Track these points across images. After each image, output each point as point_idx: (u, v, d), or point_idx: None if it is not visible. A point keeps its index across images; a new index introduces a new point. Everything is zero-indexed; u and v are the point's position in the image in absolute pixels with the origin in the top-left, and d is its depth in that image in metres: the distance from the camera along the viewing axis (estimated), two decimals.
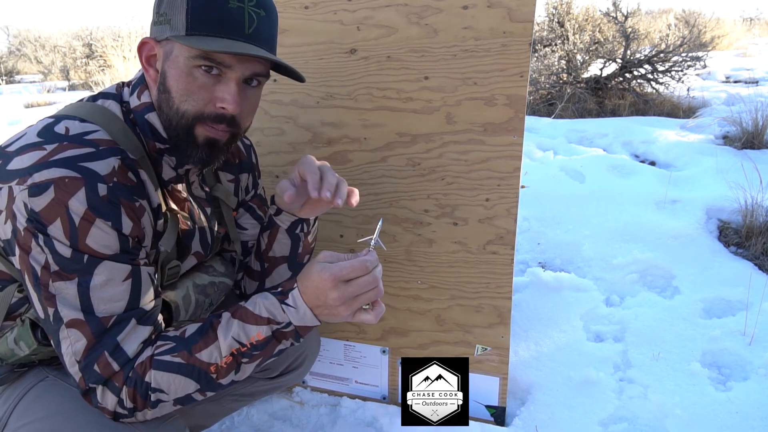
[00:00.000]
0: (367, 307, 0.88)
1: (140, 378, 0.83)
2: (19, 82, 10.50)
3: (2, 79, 9.91)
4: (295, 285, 0.89)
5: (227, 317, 0.88)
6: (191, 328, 0.88)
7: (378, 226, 0.95)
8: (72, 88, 8.77)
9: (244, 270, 1.24)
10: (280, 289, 0.91)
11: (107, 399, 0.84)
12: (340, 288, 0.84)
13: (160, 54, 0.91)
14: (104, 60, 7.66)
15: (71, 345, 0.82)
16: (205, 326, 0.88)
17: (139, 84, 0.95)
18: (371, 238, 0.92)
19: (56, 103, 7.05)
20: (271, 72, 0.98)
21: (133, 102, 0.95)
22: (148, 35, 0.94)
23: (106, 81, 6.89)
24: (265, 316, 0.87)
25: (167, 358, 0.85)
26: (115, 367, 0.83)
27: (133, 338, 0.85)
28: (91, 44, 9.63)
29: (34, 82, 10.11)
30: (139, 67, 0.97)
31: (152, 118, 0.94)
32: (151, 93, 0.94)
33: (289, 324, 0.88)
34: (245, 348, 0.87)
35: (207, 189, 1.12)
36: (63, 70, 9.91)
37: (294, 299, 0.88)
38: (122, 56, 6.93)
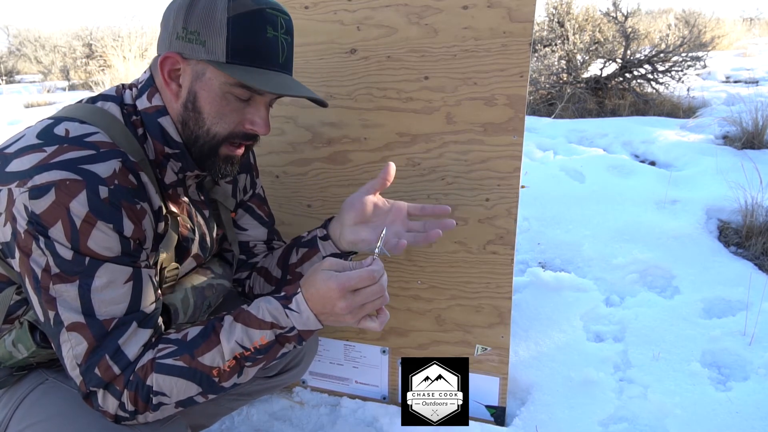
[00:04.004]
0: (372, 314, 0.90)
1: (141, 381, 0.83)
2: (19, 82, 10.50)
3: (2, 79, 9.91)
4: (299, 290, 0.89)
5: (230, 321, 0.88)
6: (193, 332, 0.88)
7: (382, 235, 0.95)
8: (72, 88, 8.77)
9: (261, 272, 1.23)
10: (283, 293, 0.91)
11: (108, 402, 0.84)
12: (347, 297, 0.85)
13: (187, 71, 0.91)
14: (104, 60, 7.66)
15: (72, 348, 0.82)
16: (207, 329, 0.88)
17: (148, 87, 0.95)
18: (375, 246, 0.93)
19: (56, 103, 7.05)
20: None
21: (142, 104, 0.94)
22: (168, 47, 0.91)
23: (106, 81, 6.88)
24: (269, 320, 0.87)
25: (169, 361, 0.85)
26: (116, 370, 0.83)
27: (134, 341, 0.84)
28: (91, 44, 9.63)
29: (34, 82, 10.11)
30: (141, 68, 0.97)
31: (165, 122, 0.94)
32: (166, 101, 0.94)
33: (293, 328, 0.88)
34: (249, 352, 0.87)
35: (204, 193, 1.12)
36: (63, 70, 9.91)
37: (297, 304, 0.88)
38: (122, 56, 6.93)
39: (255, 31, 0.88)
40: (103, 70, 7.82)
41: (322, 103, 1.01)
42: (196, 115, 0.92)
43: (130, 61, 6.83)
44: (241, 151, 0.98)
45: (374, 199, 1.08)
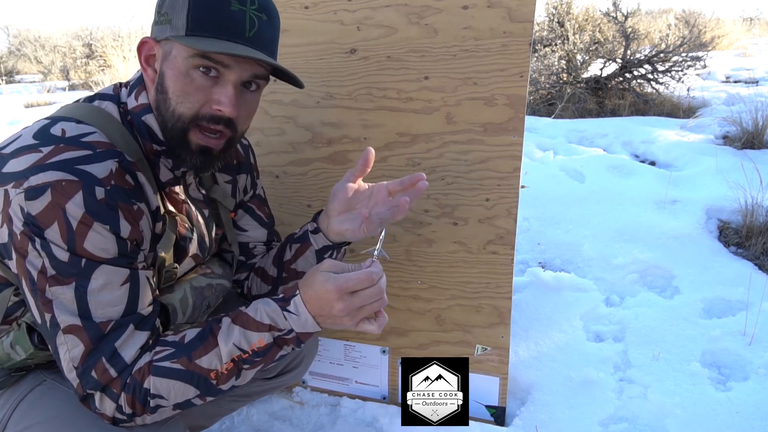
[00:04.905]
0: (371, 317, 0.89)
1: (138, 384, 0.83)
2: (19, 82, 10.50)
3: (2, 79, 9.90)
4: (297, 292, 0.89)
5: (228, 323, 0.88)
6: (190, 334, 0.88)
7: (381, 237, 0.94)
8: (72, 88, 8.77)
9: (258, 272, 1.23)
10: (281, 295, 0.90)
11: (105, 405, 0.83)
12: (345, 299, 0.84)
13: (159, 54, 0.91)
14: (104, 60, 7.67)
15: (68, 351, 0.82)
16: (205, 332, 0.87)
17: (137, 85, 0.95)
18: (374, 249, 0.92)
19: (56, 103, 7.04)
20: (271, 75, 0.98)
21: (131, 103, 0.94)
22: (149, 35, 0.93)
23: (106, 81, 6.89)
24: (267, 322, 0.87)
25: (166, 364, 0.84)
26: (113, 373, 0.82)
27: (131, 344, 0.84)
28: (91, 44, 9.63)
29: (34, 82, 10.11)
30: (139, 67, 0.96)
31: (149, 119, 0.93)
32: (149, 94, 0.94)
33: (291, 331, 0.88)
34: (246, 354, 0.87)
35: (203, 191, 1.11)
36: (63, 70, 9.91)
37: (296, 306, 0.87)
38: (122, 56, 6.94)
39: (217, 2, 0.86)
40: (103, 70, 7.82)
41: (294, 80, 0.97)
42: (164, 96, 0.90)
43: (130, 61, 6.84)
44: (216, 142, 0.93)
45: (355, 186, 1.07)
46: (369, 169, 1.06)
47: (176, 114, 0.89)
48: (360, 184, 1.08)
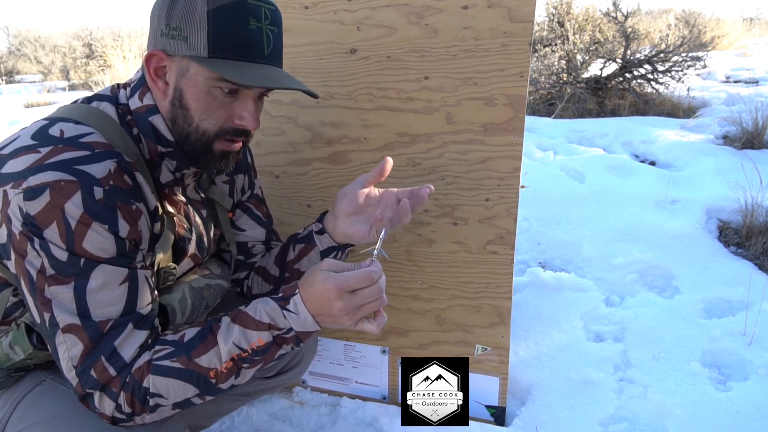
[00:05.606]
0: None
1: (138, 383, 0.83)
2: (19, 82, 10.50)
3: (2, 79, 9.91)
4: (297, 291, 0.89)
5: (227, 322, 0.88)
6: (190, 333, 0.88)
7: (381, 237, 0.94)
8: (72, 88, 8.77)
9: (258, 271, 1.23)
10: (281, 294, 0.90)
11: (105, 404, 0.83)
12: (345, 298, 0.85)
13: (172, 68, 0.90)
14: (104, 60, 7.67)
15: (68, 350, 0.82)
16: (205, 331, 0.87)
17: (140, 86, 0.94)
18: (374, 248, 0.92)
19: (56, 103, 7.05)
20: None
21: (134, 104, 0.94)
22: (154, 44, 0.91)
23: (106, 81, 6.89)
24: (266, 321, 0.87)
25: (166, 363, 0.84)
26: (112, 372, 0.83)
27: (130, 343, 0.84)
28: (91, 44, 9.64)
29: (34, 82, 10.11)
30: (137, 68, 0.96)
31: (156, 120, 0.93)
32: (156, 99, 0.93)
33: (290, 330, 0.88)
34: (246, 353, 0.87)
35: (202, 194, 1.11)
36: (63, 70, 9.91)
37: (295, 305, 0.88)
38: (122, 56, 6.93)
39: (236, 23, 0.86)
40: (103, 70, 7.82)
41: (312, 95, 0.99)
42: (184, 112, 0.91)
43: (130, 61, 6.84)
44: (237, 146, 0.96)
45: (366, 190, 1.08)
46: (383, 179, 1.07)
47: (200, 129, 0.92)
48: (371, 189, 1.09)
